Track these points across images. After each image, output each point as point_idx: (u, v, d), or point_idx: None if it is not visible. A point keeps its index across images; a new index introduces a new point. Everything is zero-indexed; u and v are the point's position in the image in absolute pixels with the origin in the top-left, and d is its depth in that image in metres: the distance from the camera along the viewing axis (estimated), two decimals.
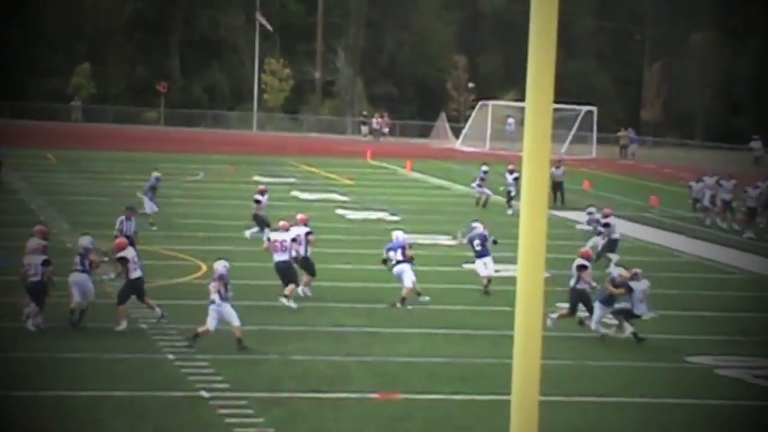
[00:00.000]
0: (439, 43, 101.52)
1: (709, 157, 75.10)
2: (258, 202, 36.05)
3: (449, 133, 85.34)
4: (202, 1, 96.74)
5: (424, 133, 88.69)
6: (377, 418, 18.32)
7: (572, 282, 24.91)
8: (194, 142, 75.70)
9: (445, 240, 36.02)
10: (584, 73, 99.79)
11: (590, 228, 35.75)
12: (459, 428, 18.09)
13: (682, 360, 22.99)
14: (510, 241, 33.65)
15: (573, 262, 25.30)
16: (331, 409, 18.66)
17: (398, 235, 27.86)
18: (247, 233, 35.30)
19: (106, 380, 19.62)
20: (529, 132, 9.47)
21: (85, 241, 24.21)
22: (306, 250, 27.28)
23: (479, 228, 28.95)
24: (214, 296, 22.20)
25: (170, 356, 21.42)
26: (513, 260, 27.87)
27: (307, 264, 27.33)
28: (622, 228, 42.15)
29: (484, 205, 45.91)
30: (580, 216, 44.57)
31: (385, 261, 27.37)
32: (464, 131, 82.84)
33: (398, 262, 26.99)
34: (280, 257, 26.27)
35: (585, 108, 78.76)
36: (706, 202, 45.34)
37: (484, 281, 28.41)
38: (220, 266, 22.66)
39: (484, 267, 28.39)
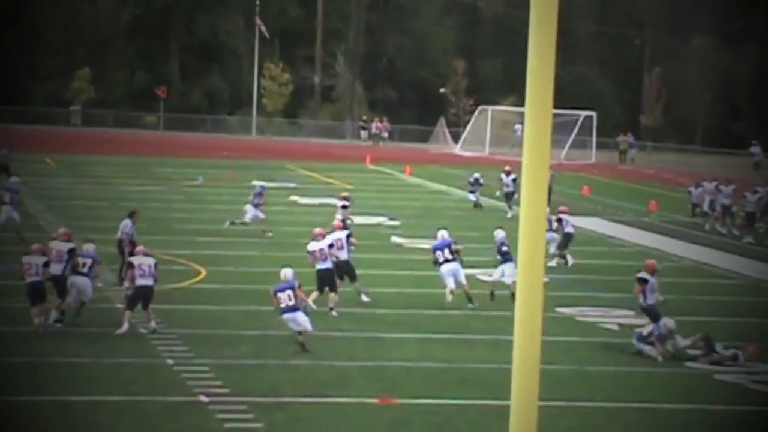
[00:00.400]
0: (439, 47, 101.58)
1: (708, 162, 75.12)
2: (345, 207, 35.98)
3: (448, 137, 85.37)
4: (201, 7, 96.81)
5: (424, 137, 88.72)
6: (377, 423, 18.32)
7: (640, 299, 24.04)
8: (194, 146, 75.75)
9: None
10: (584, 78, 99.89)
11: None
12: None
13: (681, 365, 22.99)
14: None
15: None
16: (330, 414, 18.66)
17: (443, 234, 28.09)
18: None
19: (106, 385, 19.62)
20: (529, 137, 9.48)
21: (90, 248, 24.71)
22: (347, 254, 27.16)
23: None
24: (289, 303, 22.56)
25: (169, 361, 21.42)
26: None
27: (348, 269, 27.14)
28: (621, 233, 42.28)
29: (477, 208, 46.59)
30: (581, 221, 44.60)
31: (435, 262, 27.53)
32: (463, 136, 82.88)
33: (446, 260, 27.15)
34: (322, 265, 26.00)
35: (584, 113, 78.79)
36: (705, 207, 45.34)
37: (495, 286, 28.04)
38: (291, 273, 23.05)
39: (502, 274, 28.05)
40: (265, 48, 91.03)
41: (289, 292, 22.75)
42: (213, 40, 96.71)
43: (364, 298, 27.21)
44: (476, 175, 48.13)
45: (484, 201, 48.35)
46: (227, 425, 17.76)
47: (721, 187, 45.06)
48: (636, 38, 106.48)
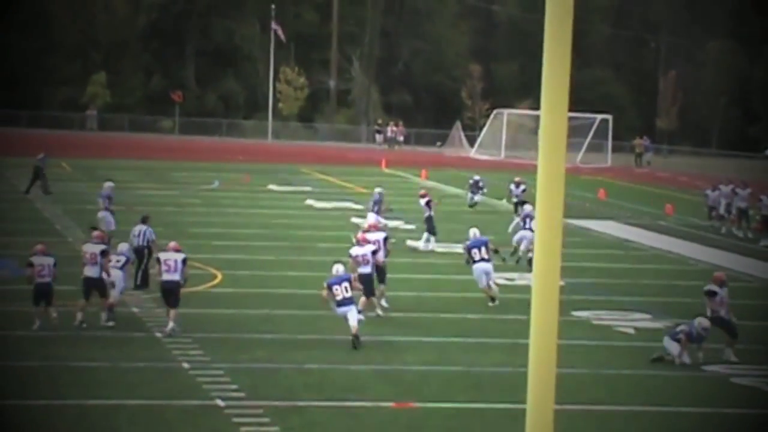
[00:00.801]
0: (455, 51, 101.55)
1: (724, 165, 74.94)
2: (428, 204, 37.19)
3: (464, 141, 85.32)
4: (217, 11, 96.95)
5: (439, 141, 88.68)
6: (393, 426, 18.32)
7: (708, 312, 23.63)
8: (209, 150, 75.86)
9: (459, 248, 35.95)
10: (599, 82, 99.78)
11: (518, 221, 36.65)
12: None
13: (698, 369, 22.94)
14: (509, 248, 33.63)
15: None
16: (346, 417, 18.67)
17: (476, 232, 28.44)
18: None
19: (122, 389, 19.65)
20: (545, 140, 9.48)
21: (123, 247, 25.54)
22: (384, 255, 27.08)
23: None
24: (346, 296, 23.21)
25: (185, 365, 21.44)
26: (527, 268, 27.79)
27: (380, 272, 26.97)
28: (637, 236, 42.21)
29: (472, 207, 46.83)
30: (597, 225, 44.56)
31: (468, 261, 27.83)
32: (479, 140, 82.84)
33: (482, 259, 27.46)
34: (363, 270, 25.89)
35: (600, 116, 78.69)
36: (721, 210, 45.25)
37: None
38: (342, 268, 23.71)
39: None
40: (281, 52, 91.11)
41: (346, 284, 23.39)
42: (228, 45, 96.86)
43: (384, 303, 27.10)
44: (476, 177, 48.16)
45: (496, 204, 48.37)
46: (243, 429, 17.78)
47: (738, 190, 44.96)
48: (651, 41, 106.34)
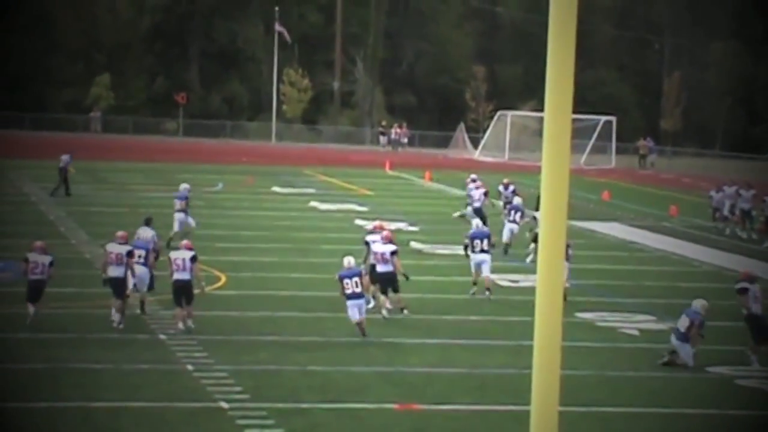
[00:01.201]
0: (459, 53, 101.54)
1: (728, 167, 74.89)
2: (486, 194, 39.23)
3: (468, 143, 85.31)
4: (221, 13, 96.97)
5: (443, 143, 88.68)
6: (396, 428, 18.30)
7: (744, 310, 23.55)
8: (213, 152, 75.89)
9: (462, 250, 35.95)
10: (603, 83, 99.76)
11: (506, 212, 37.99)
12: None
13: (702, 370, 22.91)
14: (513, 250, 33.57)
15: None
16: (350, 419, 18.65)
17: (479, 223, 29.92)
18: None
19: (125, 391, 19.65)
20: (548, 142, 9.46)
21: (147, 235, 26.18)
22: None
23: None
24: (356, 290, 23.79)
25: (189, 367, 21.44)
26: (531, 270, 27.81)
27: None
28: (641, 238, 42.18)
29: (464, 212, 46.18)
30: (601, 226, 44.55)
31: (467, 248, 28.88)
32: (483, 141, 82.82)
33: (481, 251, 28.47)
34: (383, 267, 26.24)
35: (604, 118, 78.68)
36: (725, 211, 45.23)
37: None
38: (353, 261, 24.32)
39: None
40: (285, 54, 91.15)
41: (356, 279, 23.94)
42: (232, 46, 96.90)
43: (388, 305, 27.09)
44: (473, 176, 47.70)
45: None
46: (247, 431, 17.77)
47: (742, 191, 44.95)
48: (655, 42, 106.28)
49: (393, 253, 26.40)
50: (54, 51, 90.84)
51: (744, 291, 23.41)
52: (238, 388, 20.01)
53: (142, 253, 25.32)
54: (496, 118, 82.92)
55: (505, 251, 35.48)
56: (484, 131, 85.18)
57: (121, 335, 23.62)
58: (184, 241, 25.12)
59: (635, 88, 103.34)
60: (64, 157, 48.25)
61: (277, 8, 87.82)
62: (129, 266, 24.54)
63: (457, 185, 59.13)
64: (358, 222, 42.80)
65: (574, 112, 9.87)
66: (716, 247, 40.64)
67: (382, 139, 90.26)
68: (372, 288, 26.68)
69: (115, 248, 24.69)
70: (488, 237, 28.84)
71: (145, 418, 18.27)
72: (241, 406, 18.98)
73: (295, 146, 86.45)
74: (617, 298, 30.05)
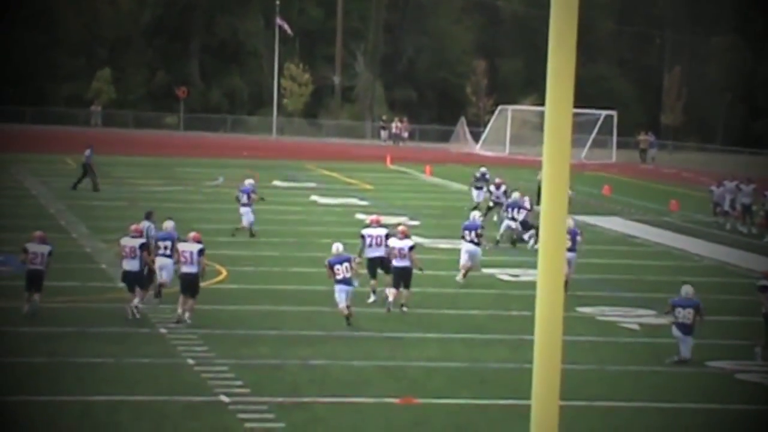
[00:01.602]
0: (459, 47, 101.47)
1: (729, 161, 74.86)
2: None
3: (469, 137, 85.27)
4: (221, 7, 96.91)
5: (444, 137, 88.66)
6: (397, 422, 18.31)
7: (763, 309, 23.18)
8: (214, 146, 75.86)
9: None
10: (604, 77, 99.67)
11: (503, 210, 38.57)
12: None
13: (703, 365, 22.91)
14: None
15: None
16: (350, 413, 18.66)
17: (475, 215, 30.94)
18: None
19: (126, 385, 19.66)
20: (549, 136, 9.46)
21: (169, 225, 26.06)
22: (383, 251, 27.40)
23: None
24: (346, 275, 24.37)
25: (190, 361, 21.45)
26: (532, 265, 27.83)
27: (385, 264, 27.37)
28: (642, 232, 42.17)
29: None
30: (602, 221, 44.57)
31: (462, 238, 29.92)
32: (483, 136, 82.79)
33: (470, 241, 29.50)
34: (398, 263, 26.54)
35: (605, 112, 78.62)
36: (726, 206, 45.23)
37: None
38: (342, 247, 24.90)
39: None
40: (285, 48, 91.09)
41: (347, 264, 24.49)
42: (233, 41, 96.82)
43: (390, 298, 27.17)
44: (483, 169, 47.45)
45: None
46: (248, 425, 17.78)
47: (742, 186, 44.98)
48: (656, 37, 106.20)
49: (411, 248, 26.70)
50: (55, 45, 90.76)
51: (765, 289, 23.14)
52: (238, 382, 20.02)
53: (168, 244, 25.35)
54: (496, 112, 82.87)
55: (497, 243, 36.04)
56: (485, 125, 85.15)
57: (121, 329, 23.62)
58: (192, 233, 25.16)
59: (636, 83, 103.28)
60: (87, 152, 48.38)
61: (277, 2, 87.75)
62: (143, 259, 24.59)
63: (458, 179, 59.14)
64: (359, 216, 42.77)
65: (575, 106, 9.86)
66: (717, 242, 40.65)
67: (383, 133, 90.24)
68: (372, 282, 26.85)
69: (129, 242, 24.77)
70: (476, 229, 29.67)
71: (145, 412, 18.27)
72: (241, 400, 18.98)
73: (295, 140, 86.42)
74: (618, 293, 30.06)
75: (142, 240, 24.99)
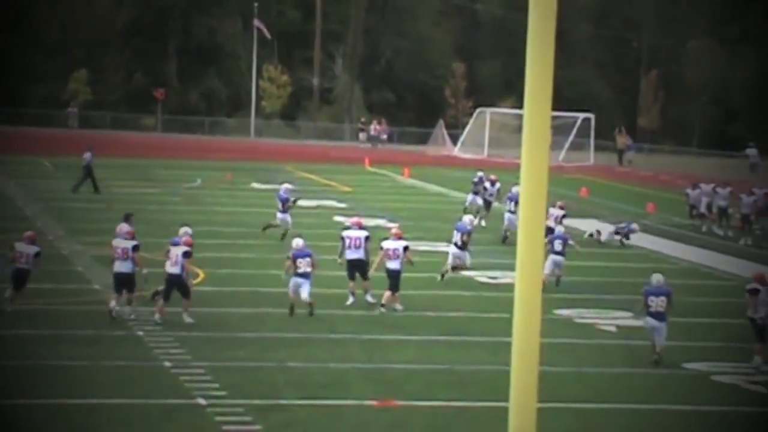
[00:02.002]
0: (438, 50, 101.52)
1: (705, 164, 75.15)
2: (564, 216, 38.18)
3: (447, 139, 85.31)
4: (199, 9, 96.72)
5: (422, 140, 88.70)
6: (375, 425, 18.31)
7: (749, 312, 23.20)
8: (191, 148, 75.66)
9: (443, 247, 35.98)
10: (582, 81, 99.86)
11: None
12: None
13: (679, 366, 22.99)
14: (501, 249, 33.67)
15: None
16: (329, 416, 18.65)
17: (465, 219, 31.49)
18: None
19: (103, 388, 19.58)
20: (528, 139, 9.49)
21: (187, 231, 26.41)
22: (363, 253, 27.41)
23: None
24: (307, 270, 25.15)
25: (167, 363, 21.39)
26: (511, 267, 27.88)
27: (362, 266, 27.43)
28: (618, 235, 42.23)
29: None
30: (579, 223, 44.63)
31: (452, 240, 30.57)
32: (462, 138, 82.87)
33: (455, 244, 30.02)
34: (392, 264, 26.79)
35: (582, 115, 78.80)
36: (702, 209, 45.40)
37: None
38: (303, 242, 25.60)
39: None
40: (264, 50, 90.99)
41: (308, 259, 25.18)
42: (211, 42, 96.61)
43: (369, 299, 27.22)
44: (480, 174, 47.25)
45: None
46: (225, 428, 17.74)
47: (718, 189, 45.15)
48: (633, 41, 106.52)
49: (405, 248, 26.99)
50: (31, 46, 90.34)
51: (755, 292, 23.10)
52: (216, 385, 19.98)
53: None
54: (475, 115, 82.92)
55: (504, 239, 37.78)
56: (463, 128, 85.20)
57: (97, 331, 23.54)
58: (185, 237, 25.29)
59: (613, 86, 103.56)
60: (87, 155, 48.31)
61: (255, 4, 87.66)
62: (135, 261, 24.53)
63: (436, 182, 59.22)
64: (337, 218, 42.77)
65: (553, 109, 9.89)
66: (693, 244, 40.79)
67: (362, 135, 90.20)
68: (351, 284, 26.92)
69: (121, 243, 24.73)
70: (463, 233, 29.95)
71: (121, 415, 18.22)
72: (219, 403, 18.95)
73: (274, 142, 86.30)
74: (595, 295, 30.13)
75: (135, 242, 24.92)
